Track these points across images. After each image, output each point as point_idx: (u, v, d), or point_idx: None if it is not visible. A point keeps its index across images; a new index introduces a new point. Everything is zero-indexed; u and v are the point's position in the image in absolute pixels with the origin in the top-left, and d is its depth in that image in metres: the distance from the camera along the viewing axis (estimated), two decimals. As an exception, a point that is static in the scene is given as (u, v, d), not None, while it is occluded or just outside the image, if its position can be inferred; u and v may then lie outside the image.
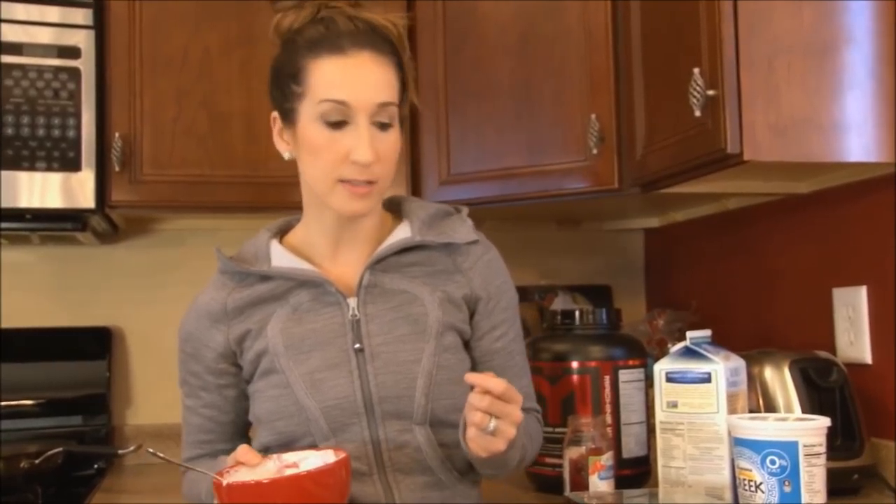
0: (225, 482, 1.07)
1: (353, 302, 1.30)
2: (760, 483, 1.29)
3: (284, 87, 1.29)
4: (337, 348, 1.28)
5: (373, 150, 1.23)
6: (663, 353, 2.15)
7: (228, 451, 1.34)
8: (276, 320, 1.30)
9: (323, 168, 1.26)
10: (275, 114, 1.33)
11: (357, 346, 1.28)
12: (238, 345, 1.33)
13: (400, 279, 1.32)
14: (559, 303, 2.41)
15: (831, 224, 1.87)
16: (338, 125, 1.24)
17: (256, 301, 1.32)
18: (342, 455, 1.12)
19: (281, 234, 1.39)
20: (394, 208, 1.42)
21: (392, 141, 1.27)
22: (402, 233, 1.34)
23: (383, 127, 1.26)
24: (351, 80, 1.24)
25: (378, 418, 1.27)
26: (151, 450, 1.20)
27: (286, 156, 1.33)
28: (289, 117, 1.29)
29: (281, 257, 1.33)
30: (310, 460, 1.14)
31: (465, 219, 1.39)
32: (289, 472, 1.12)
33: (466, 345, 1.36)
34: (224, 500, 1.07)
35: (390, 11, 1.33)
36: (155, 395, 2.34)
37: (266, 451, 1.30)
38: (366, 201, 1.27)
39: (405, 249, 1.33)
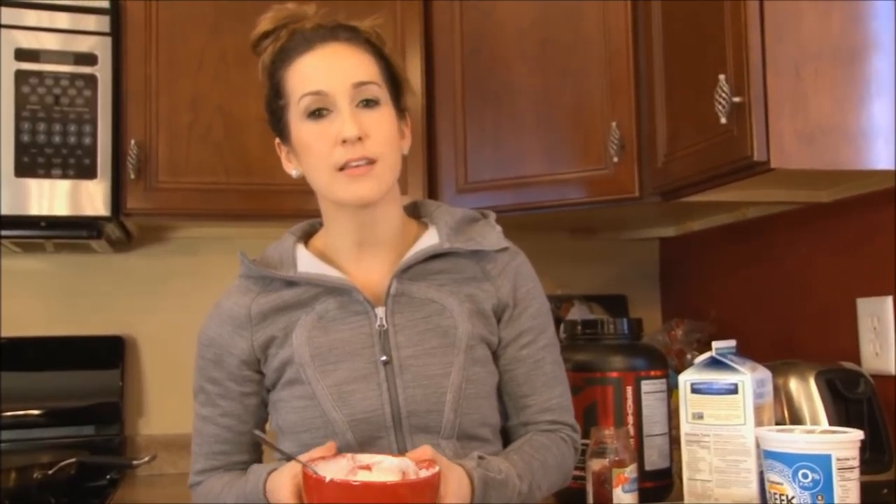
0: (328, 478, 1.04)
1: (380, 311, 1.27)
2: (792, 497, 1.27)
3: (273, 108, 1.31)
4: (364, 359, 1.26)
5: (357, 124, 1.21)
6: (682, 363, 2.13)
7: (244, 464, 1.32)
8: (301, 328, 1.27)
9: (318, 160, 1.25)
10: (277, 140, 1.34)
11: (384, 358, 1.26)
12: (262, 351, 1.30)
13: (427, 287, 1.30)
14: (576, 312, 2.39)
15: (854, 233, 1.85)
16: (321, 116, 1.24)
17: (281, 307, 1.29)
18: (433, 468, 1.09)
19: (305, 237, 1.36)
20: (417, 214, 1.39)
21: (381, 118, 1.25)
22: (429, 239, 1.32)
23: (369, 105, 1.24)
24: (323, 68, 1.25)
25: (406, 432, 1.24)
26: (258, 432, 1.18)
27: (294, 174, 1.32)
28: (284, 133, 1.30)
29: (307, 262, 1.30)
30: (384, 464, 1.12)
31: (494, 224, 1.36)
32: (361, 473, 1.10)
33: (494, 355, 1.33)
34: (318, 494, 1.05)
35: (384, 17, 1.35)
36: (168, 405, 2.31)
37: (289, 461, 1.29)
38: (368, 182, 1.23)
39: (433, 256, 1.30)
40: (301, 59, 1.26)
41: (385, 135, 1.25)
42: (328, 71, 1.24)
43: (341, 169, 1.23)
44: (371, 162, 1.23)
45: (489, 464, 1.21)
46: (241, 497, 1.24)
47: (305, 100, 1.24)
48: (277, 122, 1.31)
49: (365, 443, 1.23)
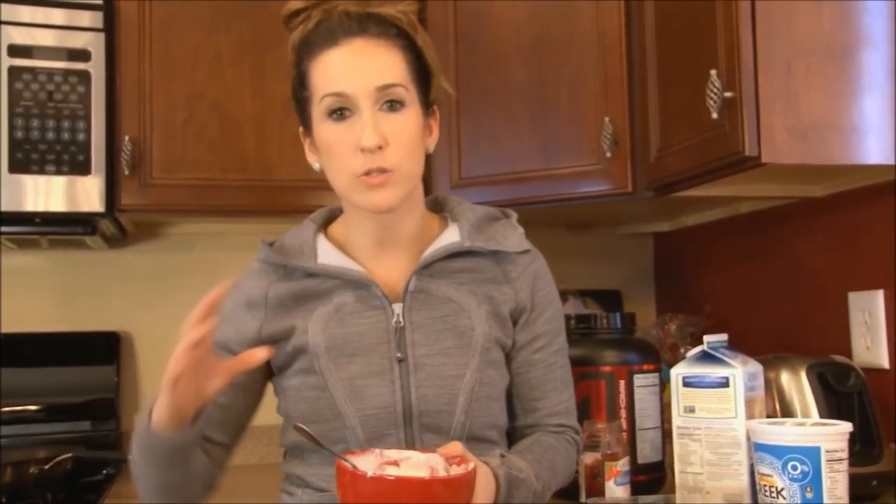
0: (370, 473, 1.01)
1: (398, 308, 1.26)
2: (782, 489, 1.27)
3: (299, 97, 1.28)
4: (379, 355, 1.25)
5: (377, 133, 1.18)
6: (675, 357, 2.14)
7: (220, 445, 1.26)
8: (317, 318, 1.26)
9: (338, 164, 1.22)
10: (301, 129, 1.31)
11: (399, 355, 1.25)
12: (271, 339, 1.27)
13: (447, 286, 1.28)
14: (570, 307, 2.40)
15: (847, 227, 1.86)
16: (343, 118, 1.21)
17: (299, 296, 1.28)
18: (465, 465, 1.06)
19: (325, 225, 1.35)
20: (438, 209, 1.38)
21: (404, 122, 1.21)
22: (450, 237, 1.30)
23: (393, 107, 1.21)
24: (345, 68, 1.21)
25: (415, 431, 1.24)
26: (300, 424, 1.12)
27: (316, 167, 1.29)
28: (307, 125, 1.28)
29: (328, 254, 1.29)
30: (413, 459, 1.09)
31: (516, 225, 1.35)
32: (389, 468, 1.08)
33: (507, 357, 1.33)
34: (353, 489, 1.02)
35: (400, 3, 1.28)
36: (164, 401, 2.32)
37: (295, 449, 1.29)
38: (387, 192, 1.20)
39: (453, 254, 1.29)
40: (325, 54, 1.22)
41: (407, 141, 1.22)
42: (351, 71, 1.21)
43: (359, 175, 1.21)
44: (389, 171, 1.20)
45: (511, 462, 1.20)
46: (140, 446, 1.18)
47: (327, 100, 1.21)
48: (302, 111, 1.28)
49: (374, 438, 1.22)
